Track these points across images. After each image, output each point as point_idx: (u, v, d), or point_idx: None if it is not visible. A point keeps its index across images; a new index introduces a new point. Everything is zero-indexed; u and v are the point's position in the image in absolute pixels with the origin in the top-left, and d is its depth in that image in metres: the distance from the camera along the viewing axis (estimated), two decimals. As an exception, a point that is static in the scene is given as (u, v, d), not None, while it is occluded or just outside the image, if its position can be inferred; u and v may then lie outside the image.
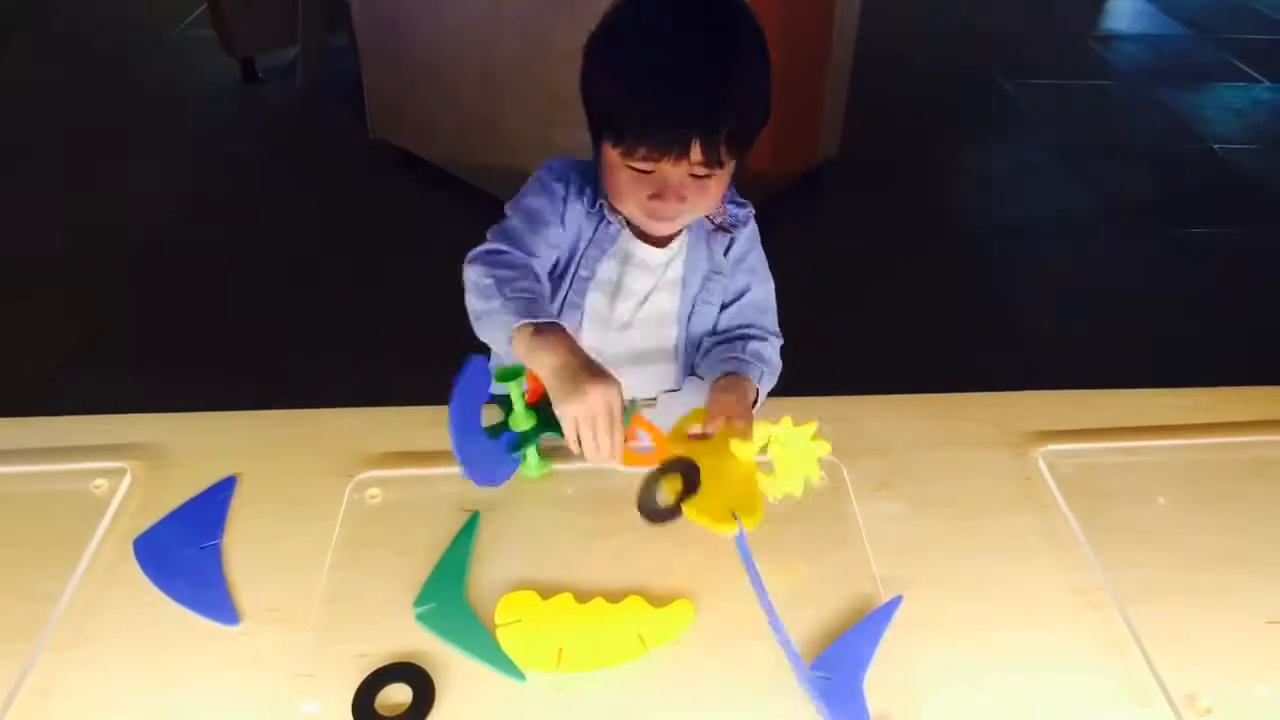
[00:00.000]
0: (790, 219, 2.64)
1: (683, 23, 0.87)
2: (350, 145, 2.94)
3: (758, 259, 1.08)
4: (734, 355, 1.00)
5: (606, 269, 1.02)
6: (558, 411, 0.80)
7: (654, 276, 1.04)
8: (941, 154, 3.20)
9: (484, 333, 0.89)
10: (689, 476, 0.81)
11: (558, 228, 0.99)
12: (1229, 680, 0.74)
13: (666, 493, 0.81)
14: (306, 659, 0.72)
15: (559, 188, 0.99)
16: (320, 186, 2.85)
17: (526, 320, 0.83)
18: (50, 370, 2.06)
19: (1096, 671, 0.74)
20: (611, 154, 0.90)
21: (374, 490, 0.88)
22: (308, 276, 2.43)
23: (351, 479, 0.88)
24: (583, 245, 1.01)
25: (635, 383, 1.07)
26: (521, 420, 0.86)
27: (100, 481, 0.88)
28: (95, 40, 3.73)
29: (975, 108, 3.52)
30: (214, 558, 0.80)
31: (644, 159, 0.88)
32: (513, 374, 0.84)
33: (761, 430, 0.82)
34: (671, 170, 0.89)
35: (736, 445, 0.83)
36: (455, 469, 0.89)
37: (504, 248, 0.93)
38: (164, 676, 0.72)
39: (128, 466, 0.88)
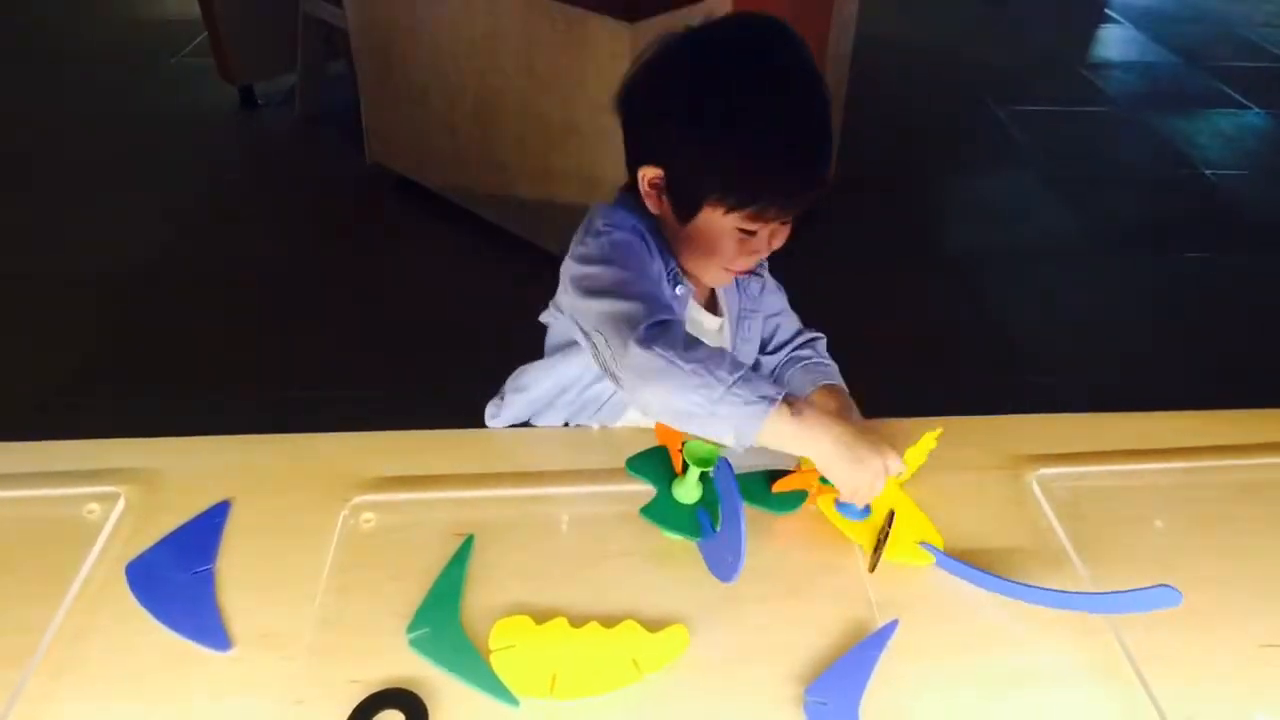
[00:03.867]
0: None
1: (793, 74, 0.83)
2: (348, 171, 2.96)
3: (767, 275, 1.09)
4: (815, 362, 1.06)
5: None
6: (842, 480, 0.81)
7: (711, 341, 1.03)
8: (935, 180, 3.22)
9: (694, 427, 0.80)
10: (886, 527, 0.85)
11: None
12: (1226, 705, 0.74)
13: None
14: (299, 685, 0.72)
15: (640, 243, 0.91)
16: (318, 212, 2.86)
17: (774, 404, 0.77)
18: (46, 395, 2.06)
19: (1093, 695, 0.74)
20: (723, 219, 0.87)
21: (368, 515, 0.87)
22: (304, 302, 2.44)
23: (346, 504, 0.88)
24: None
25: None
26: (694, 491, 0.86)
27: (93, 506, 0.87)
28: (94, 67, 3.76)
29: (968, 134, 3.55)
30: (207, 583, 0.80)
31: (774, 218, 0.87)
32: (709, 459, 0.83)
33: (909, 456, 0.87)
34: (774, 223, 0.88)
35: (892, 480, 0.86)
36: (449, 493, 0.90)
37: (669, 317, 0.82)
38: (155, 703, 0.71)
39: (121, 491, 0.88)
